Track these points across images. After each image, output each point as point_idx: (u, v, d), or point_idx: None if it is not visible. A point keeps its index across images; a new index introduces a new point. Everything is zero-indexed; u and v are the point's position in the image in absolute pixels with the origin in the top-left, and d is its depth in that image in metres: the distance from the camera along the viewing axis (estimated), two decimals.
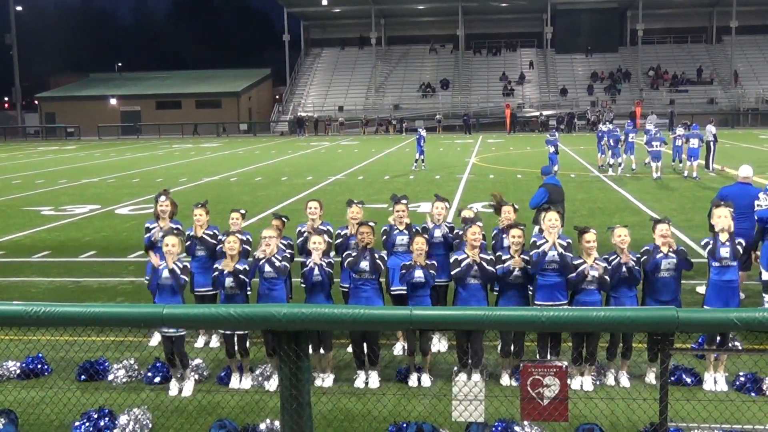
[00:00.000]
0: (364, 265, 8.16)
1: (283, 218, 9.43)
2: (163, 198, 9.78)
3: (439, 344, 9.37)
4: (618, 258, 8.06)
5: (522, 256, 8.16)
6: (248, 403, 7.51)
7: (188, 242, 9.45)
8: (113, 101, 78.91)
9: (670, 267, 8.03)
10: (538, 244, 8.16)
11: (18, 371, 8.59)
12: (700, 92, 70.08)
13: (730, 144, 42.60)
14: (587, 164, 32.19)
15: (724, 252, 7.98)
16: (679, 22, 78.94)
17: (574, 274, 7.99)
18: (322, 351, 8.38)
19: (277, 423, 6.80)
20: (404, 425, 6.82)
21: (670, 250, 8.04)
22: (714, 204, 8.49)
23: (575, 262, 8.03)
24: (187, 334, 9.79)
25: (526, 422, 6.61)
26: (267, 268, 8.22)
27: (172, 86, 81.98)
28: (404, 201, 9.28)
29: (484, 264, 8.10)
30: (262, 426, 6.90)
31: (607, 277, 7.97)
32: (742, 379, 7.85)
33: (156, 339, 9.54)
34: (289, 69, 79.06)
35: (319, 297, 8.24)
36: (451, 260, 8.29)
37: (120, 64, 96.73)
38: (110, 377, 8.48)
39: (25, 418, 7.31)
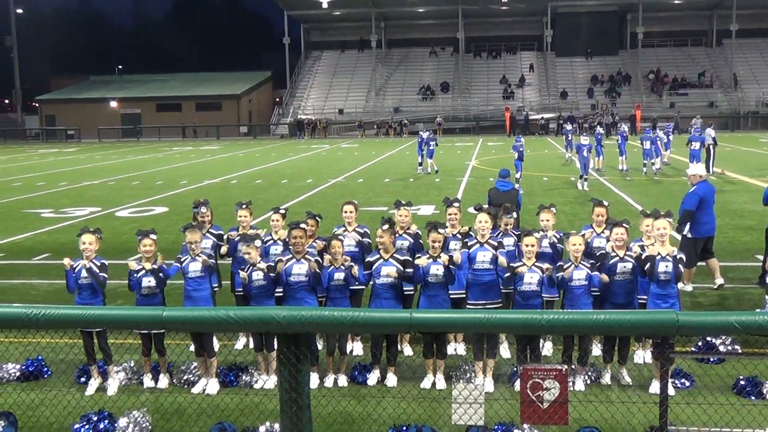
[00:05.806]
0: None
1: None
2: (204, 209, 9.78)
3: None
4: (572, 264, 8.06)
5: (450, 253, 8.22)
6: (248, 406, 7.51)
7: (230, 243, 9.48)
8: (113, 104, 79.00)
9: (625, 271, 8.01)
10: (469, 244, 8.36)
11: (18, 373, 8.61)
12: (700, 95, 70.09)
13: (730, 147, 42.59)
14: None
15: (664, 266, 7.81)
16: (679, 25, 79.02)
17: (509, 274, 8.04)
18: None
19: (276, 426, 6.80)
20: (404, 428, 6.80)
21: (627, 254, 8.03)
22: (654, 216, 8.26)
23: (514, 264, 8.08)
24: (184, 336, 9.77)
25: (525, 425, 6.61)
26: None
27: (173, 89, 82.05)
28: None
29: (396, 264, 8.25)
30: (262, 429, 6.89)
31: (545, 278, 7.95)
32: (742, 382, 7.84)
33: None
34: (290, 72, 79.15)
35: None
36: (366, 261, 8.47)
37: (120, 67, 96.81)
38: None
39: (24, 421, 7.30)
